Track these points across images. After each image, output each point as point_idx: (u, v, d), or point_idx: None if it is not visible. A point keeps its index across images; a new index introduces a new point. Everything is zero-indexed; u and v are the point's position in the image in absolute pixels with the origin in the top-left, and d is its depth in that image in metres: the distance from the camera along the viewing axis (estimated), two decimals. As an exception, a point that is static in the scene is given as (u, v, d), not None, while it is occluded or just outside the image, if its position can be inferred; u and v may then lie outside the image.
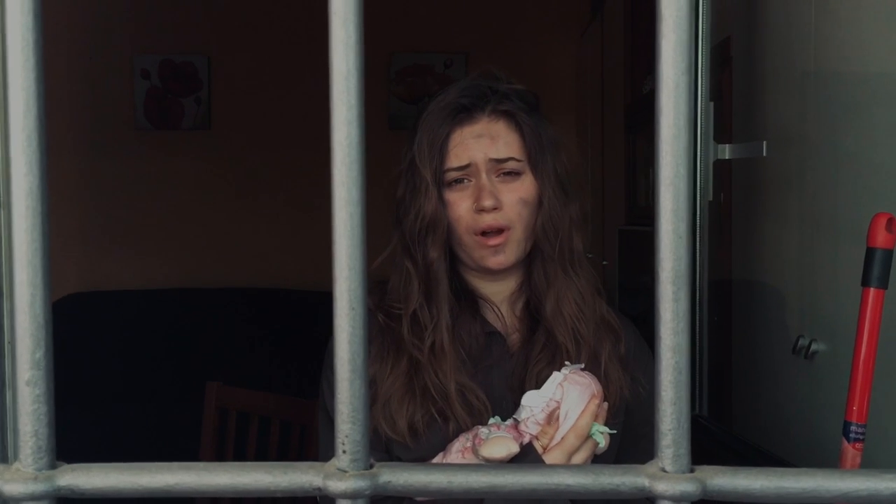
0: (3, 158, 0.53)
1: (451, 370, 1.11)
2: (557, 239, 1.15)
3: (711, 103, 1.67)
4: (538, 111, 1.18)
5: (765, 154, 1.56)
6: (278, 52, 3.95)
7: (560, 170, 1.16)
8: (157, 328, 3.64)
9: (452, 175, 1.13)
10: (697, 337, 1.75)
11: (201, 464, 0.38)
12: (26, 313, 0.38)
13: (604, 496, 0.38)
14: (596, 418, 1.05)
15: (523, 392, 1.11)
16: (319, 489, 0.38)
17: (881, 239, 0.91)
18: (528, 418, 1.06)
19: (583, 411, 1.04)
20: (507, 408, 1.12)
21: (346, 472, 0.38)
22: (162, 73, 4.00)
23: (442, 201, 1.14)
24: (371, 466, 0.38)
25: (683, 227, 0.38)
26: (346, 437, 0.38)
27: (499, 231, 1.12)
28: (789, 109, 1.58)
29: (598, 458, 1.06)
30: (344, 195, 0.38)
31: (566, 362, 1.11)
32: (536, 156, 1.15)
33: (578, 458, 1.03)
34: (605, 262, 3.32)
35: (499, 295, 1.19)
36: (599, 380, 1.10)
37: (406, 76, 4.04)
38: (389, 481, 0.38)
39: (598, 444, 1.04)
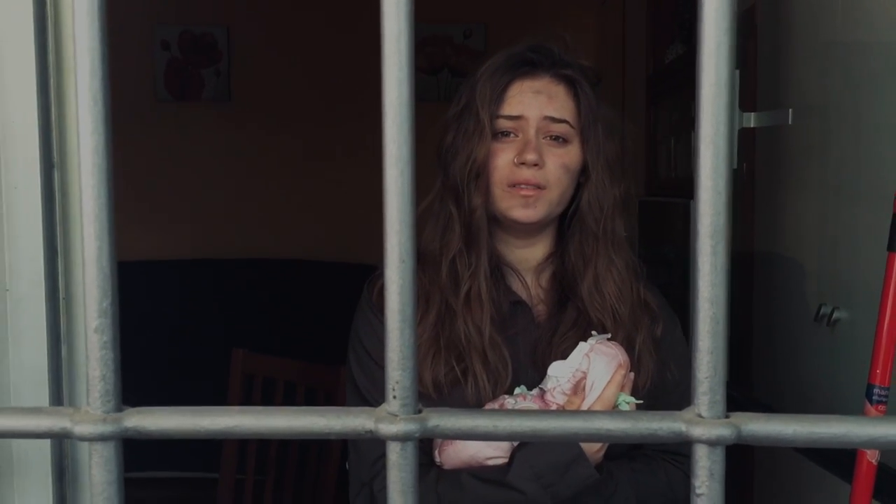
0: (57, 119, 0.55)
1: (484, 319, 1.10)
2: (602, 215, 1.14)
3: (737, 71, 1.67)
4: (597, 89, 1.16)
5: (790, 122, 1.56)
6: (297, 23, 3.94)
7: (610, 150, 1.15)
8: (179, 298, 3.68)
9: (502, 124, 1.12)
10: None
11: (259, 407, 0.40)
12: (94, 265, 0.40)
13: (642, 441, 0.40)
14: (622, 388, 1.05)
15: (546, 365, 1.11)
16: (371, 432, 0.40)
17: (907, 204, 0.92)
18: (554, 388, 1.06)
19: (609, 381, 1.04)
20: (532, 377, 1.12)
21: (396, 415, 0.39)
22: (182, 45, 4.01)
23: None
24: (420, 411, 0.40)
25: (722, 183, 0.39)
26: (397, 383, 0.40)
27: (535, 187, 1.11)
28: (814, 78, 1.58)
29: None
30: (395, 152, 0.39)
31: (593, 332, 1.10)
32: (589, 129, 1.13)
33: None
34: (625, 234, 3.33)
35: (525, 263, 1.18)
36: (631, 363, 1.10)
37: (425, 47, 4.03)
38: (438, 425, 0.39)
39: None
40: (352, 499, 1.16)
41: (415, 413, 0.40)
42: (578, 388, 1.04)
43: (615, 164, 1.16)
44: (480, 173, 1.11)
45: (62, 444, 0.59)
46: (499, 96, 1.12)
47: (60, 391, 0.56)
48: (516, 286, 1.17)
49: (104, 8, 0.40)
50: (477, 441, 1.05)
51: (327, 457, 1.97)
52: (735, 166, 1.67)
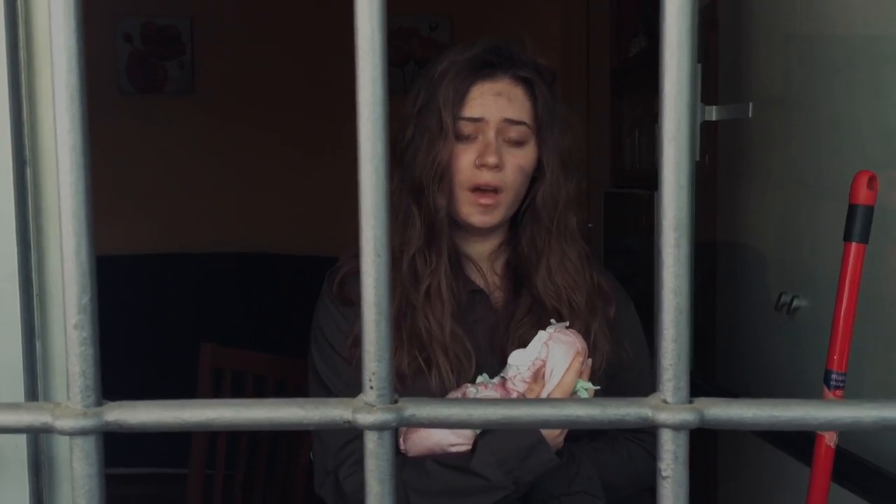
0: (29, 116, 0.55)
1: (445, 315, 1.13)
2: (556, 212, 1.18)
3: (699, 65, 1.70)
4: (553, 88, 1.20)
5: (751, 115, 1.59)
6: (262, 14, 3.92)
7: (564, 146, 1.19)
8: (146, 293, 3.65)
9: (463, 126, 1.15)
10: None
11: (239, 400, 0.41)
12: (73, 261, 0.41)
13: (610, 426, 0.41)
14: (581, 375, 1.09)
15: (505, 350, 1.15)
16: (349, 422, 0.41)
17: (863, 196, 0.95)
18: (514, 376, 1.09)
19: (567, 369, 1.07)
20: (491, 363, 1.16)
21: (373, 406, 0.40)
22: (144, 37, 3.97)
23: None
24: (395, 401, 0.41)
25: (685, 178, 0.41)
26: (373, 374, 0.41)
27: (493, 190, 1.15)
28: (774, 71, 1.61)
29: None
30: (370, 149, 0.40)
31: (552, 321, 1.13)
32: (545, 128, 1.17)
33: None
34: (590, 225, 3.36)
35: (480, 254, 1.22)
36: (588, 348, 1.13)
37: (391, 39, 3.99)
38: (413, 414, 0.41)
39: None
40: (317, 488, 1.17)
41: (391, 403, 0.41)
42: (538, 376, 1.08)
43: (568, 159, 1.20)
44: (444, 175, 1.14)
45: (38, 439, 0.59)
46: (461, 98, 1.14)
47: (35, 386, 0.56)
48: (474, 275, 1.21)
49: (80, 7, 0.40)
50: (441, 429, 1.07)
51: (297, 450, 1.97)
52: (697, 158, 1.70)
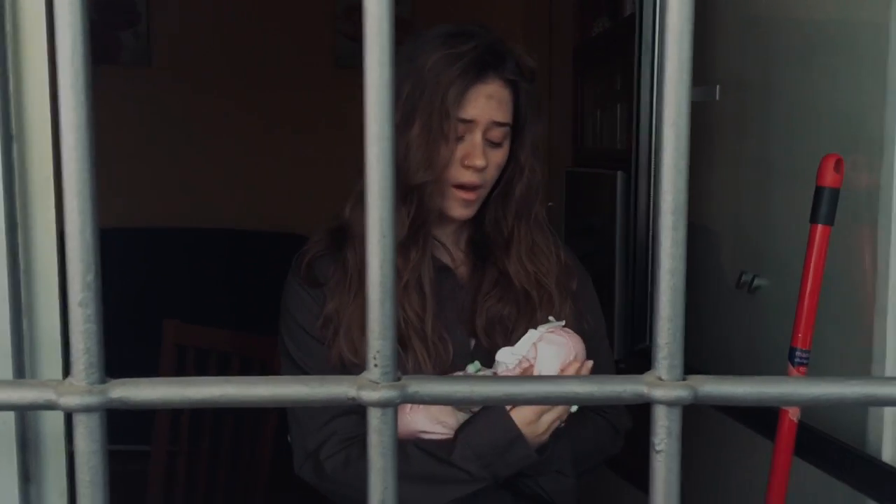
0: (15, 90, 0.55)
1: (426, 308, 1.15)
2: (533, 203, 1.22)
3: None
4: (533, 84, 1.22)
5: (717, 98, 1.62)
6: (221, -14, 3.85)
7: (537, 138, 1.22)
8: (105, 269, 3.59)
9: (458, 127, 1.15)
10: (649, 275, 1.82)
11: (245, 377, 0.41)
12: (77, 239, 0.40)
13: (607, 402, 0.43)
14: None
15: (474, 322, 1.18)
16: (353, 399, 0.42)
17: (829, 178, 0.98)
18: (503, 373, 1.09)
19: (561, 373, 1.06)
20: (462, 337, 1.19)
21: (378, 383, 0.41)
22: (97, 6, 3.87)
23: None
24: (398, 379, 0.42)
25: (683, 163, 0.42)
26: (378, 352, 0.42)
27: (474, 188, 1.17)
28: (740, 54, 1.64)
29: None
30: (376, 131, 0.41)
31: (549, 318, 1.15)
32: (525, 127, 1.20)
33: (548, 418, 1.08)
34: (551, 204, 3.39)
35: (445, 233, 1.25)
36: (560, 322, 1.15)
37: (353, 13, 3.99)
38: (417, 391, 0.42)
39: (570, 406, 1.07)
40: (297, 470, 1.18)
41: (395, 380, 0.42)
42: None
43: (539, 149, 1.24)
44: (441, 176, 1.15)
45: (25, 415, 0.59)
46: (460, 101, 1.14)
47: (23, 364, 0.56)
48: (439, 252, 1.24)
49: (85, -17, 0.40)
50: (424, 417, 1.08)
51: (262, 429, 1.97)
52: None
